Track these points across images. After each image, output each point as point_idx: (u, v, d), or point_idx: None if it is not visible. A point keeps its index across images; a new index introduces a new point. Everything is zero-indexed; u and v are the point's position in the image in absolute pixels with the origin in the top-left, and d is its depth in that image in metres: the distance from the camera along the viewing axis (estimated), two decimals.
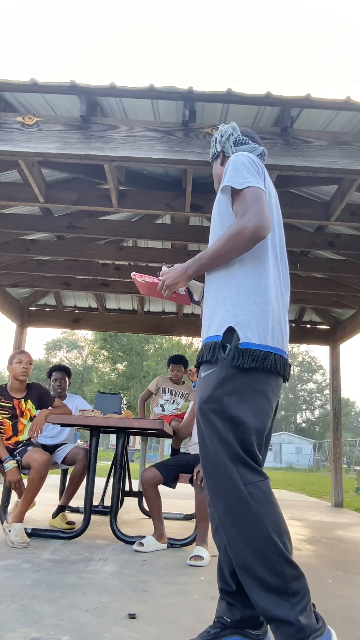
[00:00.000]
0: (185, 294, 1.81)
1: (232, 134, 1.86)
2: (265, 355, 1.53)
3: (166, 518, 4.25)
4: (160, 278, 1.77)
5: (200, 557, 2.91)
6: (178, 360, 4.83)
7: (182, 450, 4.41)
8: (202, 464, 1.55)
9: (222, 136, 1.87)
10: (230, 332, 1.56)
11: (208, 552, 2.98)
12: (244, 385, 1.52)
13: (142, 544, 3.13)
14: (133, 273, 1.92)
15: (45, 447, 3.98)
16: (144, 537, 3.23)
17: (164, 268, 1.77)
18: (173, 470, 3.41)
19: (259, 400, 1.53)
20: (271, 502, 1.46)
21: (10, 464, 3.27)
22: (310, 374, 60.24)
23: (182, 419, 4.25)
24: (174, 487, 3.45)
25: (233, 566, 1.59)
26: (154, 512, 3.30)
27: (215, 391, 1.52)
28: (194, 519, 3.52)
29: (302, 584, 1.41)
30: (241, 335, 1.54)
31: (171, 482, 3.38)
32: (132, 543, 3.26)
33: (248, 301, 1.58)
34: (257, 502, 1.43)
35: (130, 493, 4.80)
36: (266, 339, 1.55)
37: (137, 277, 1.88)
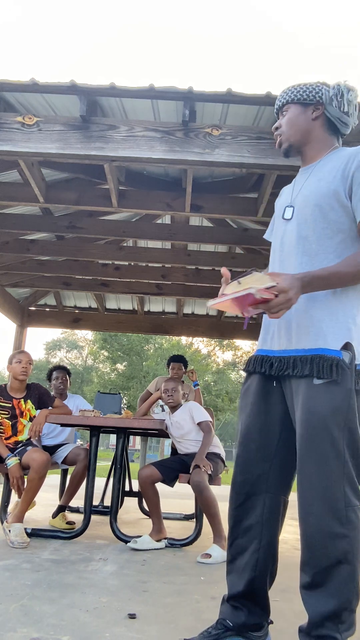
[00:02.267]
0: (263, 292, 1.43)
1: (358, 103, 1.62)
2: None
3: (166, 518, 4.24)
4: (269, 292, 1.36)
5: (208, 556, 2.91)
6: (178, 359, 4.82)
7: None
8: (305, 476, 1.44)
9: (353, 97, 1.61)
10: (345, 346, 1.46)
11: (223, 552, 2.96)
12: (358, 405, 1.46)
13: (136, 542, 3.15)
14: (211, 303, 1.45)
15: (45, 448, 3.98)
16: (141, 536, 3.24)
17: (266, 279, 1.38)
18: (172, 469, 3.42)
19: (358, 421, 1.47)
20: None
21: (13, 461, 3.27)
22: None
23: None
24: (172, 486, 3.46)
25: (256, 572, 1.55)
26: (152, 509, 3.32)
27: (342, 405, 1.42)
28: (194, 519, 3.53)
29: (353, 619, 1.40)
30: (356, 353, 1.46)
31: (170, 481, 3.39)
32: None
33: (355, 317, 1.50)
34: (351, 526, 1.38)
35: (130, 493, 4.80)
36: None
37: (223, 298, 1.42)
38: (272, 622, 1.67)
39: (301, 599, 1.44)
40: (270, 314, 1.39)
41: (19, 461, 3.29)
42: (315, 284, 1.43)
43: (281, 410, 1.59)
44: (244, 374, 1.72)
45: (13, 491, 3.45)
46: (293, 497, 1.50)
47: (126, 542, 3.24)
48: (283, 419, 1.59)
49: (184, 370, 4.79)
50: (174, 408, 3.77)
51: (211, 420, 3.71)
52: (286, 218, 1.62)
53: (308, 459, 1.43)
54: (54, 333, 45.35)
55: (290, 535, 4.22)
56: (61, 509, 3.91)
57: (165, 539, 3.31)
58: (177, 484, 3.48)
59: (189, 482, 3.37)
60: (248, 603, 1.56)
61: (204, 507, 3.13)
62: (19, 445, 3.48)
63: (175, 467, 3.44)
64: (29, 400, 3.58)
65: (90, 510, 3.30)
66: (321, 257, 1.52)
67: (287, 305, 1.37)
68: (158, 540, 3.25)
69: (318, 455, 1.41)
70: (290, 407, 1.56)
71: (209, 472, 3.26)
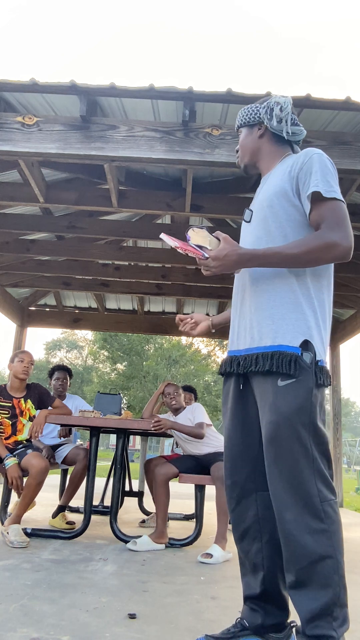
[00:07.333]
0: (198, 250, 1.59)
1: (289, 112, 1.69)
2: (329, 372, 1.54)
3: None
4: (206, 256, 1.55)
5: (209, 555, 2.92)
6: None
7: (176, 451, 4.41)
8: (275, 477, 1.46)
9: (281, 110, 1.67)
10: (304, 344, 1.50)
11: (224, 552, 2.97)
12: (320, 401, 1.50)
13: (135, 543, 3.14)
14: (162, 234, 1.66)
15: None
16: (141, 536, 3.23)
17: (209, 241, 1.55)
18: (187, 467, 3.44)
19: (324, 416, 1.52)
20: (339, 522, 1.45)
21: (11, 461, 3.27)
22: None
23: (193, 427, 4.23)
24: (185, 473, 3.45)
25: (264, 570, 1.57)
26: (159, 508, 3.29)
27: (306, 403, 1.46)
28: (194, 519, 3.53)
29: (346, 613, 1.41)
30: (317, 351, 1.51)
31: (186, 472, 3.39)
32: None
33: (316, 314, 1.54)
34: (329, 520, 1.42)
35: (130, 493, 4.79)
36: (326, 355, 1.56)
37: (167, 239, 1.62)
38: (295, 624, 1.67)
39: (290, 599, 1.45)
40: (204, 269, 1.58)
41: (17, 462, 3.29)
42: (256, 260, 1.53)
43: (257, 411, 1.63)
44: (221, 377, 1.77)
45: (13, 491, 3.45)
46: None
47: (126, 542, 3.24)
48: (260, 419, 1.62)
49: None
50: (177, 410, 3.77)
51: (209, 423, 3.69)
52: (246, 220, 1.75)
53: (278, 460, 1.46)
54: (54, 333, 45.38)
55: None
56: (61, 509, 3.91)
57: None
58: (178, 484, 3.47)
59: (194, 484, 3.35)
60: (265, 604, 1.58)
61: (221, 505, 3.12)
62: (19, 446, 3.48)
63: (190, 466, 3.44)
64: (28, 400, 3.58)
65: (90, 510, 3.30)
66: None
67: (214, 270, 1.55)
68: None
69: (288, 455, 1.45)
70: (260, 408, 1.58)
71: (154, 429, 3.33)
